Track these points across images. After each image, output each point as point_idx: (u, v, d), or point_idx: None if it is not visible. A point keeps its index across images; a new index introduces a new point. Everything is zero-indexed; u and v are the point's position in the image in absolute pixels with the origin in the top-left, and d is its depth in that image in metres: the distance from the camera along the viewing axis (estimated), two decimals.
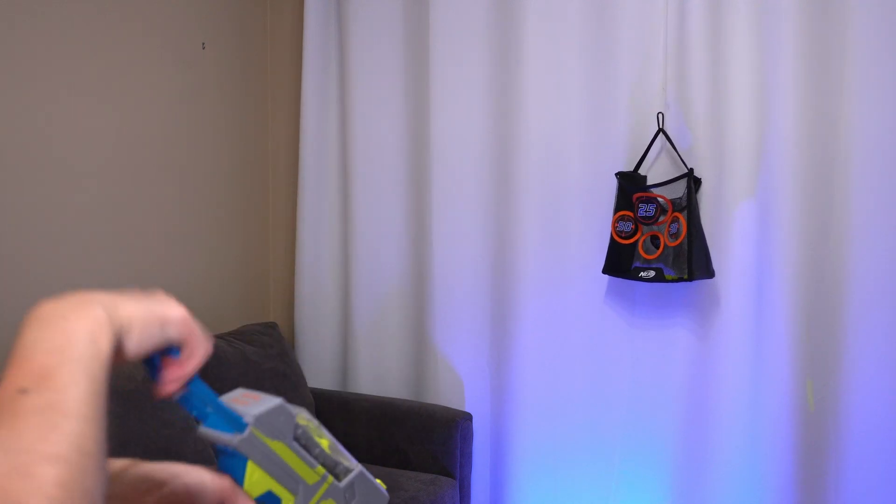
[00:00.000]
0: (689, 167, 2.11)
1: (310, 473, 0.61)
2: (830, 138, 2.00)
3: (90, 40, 2.11)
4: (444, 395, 2.51)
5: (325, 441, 0.64)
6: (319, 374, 2.74)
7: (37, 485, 0.37)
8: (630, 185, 2.17)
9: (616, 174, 2.21)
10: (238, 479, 0.57)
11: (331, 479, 0.63)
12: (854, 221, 1.97)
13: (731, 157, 2.08)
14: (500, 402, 2.43)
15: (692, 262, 2.03)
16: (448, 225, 2.47)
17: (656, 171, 2.23)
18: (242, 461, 0.57)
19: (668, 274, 2.09)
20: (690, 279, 2.03)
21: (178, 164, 2.43)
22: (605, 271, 2.20)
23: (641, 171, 2.23)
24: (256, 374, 2.26)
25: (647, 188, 2.16)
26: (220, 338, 2.30)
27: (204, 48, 2.51)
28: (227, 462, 0.58)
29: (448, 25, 2.42)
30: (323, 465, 0.63)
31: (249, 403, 0.58)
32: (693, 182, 2.10)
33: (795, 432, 2.07)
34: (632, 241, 2.15)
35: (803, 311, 2.04)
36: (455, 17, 2.41)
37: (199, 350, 0.54)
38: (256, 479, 0.57)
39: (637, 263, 2.16)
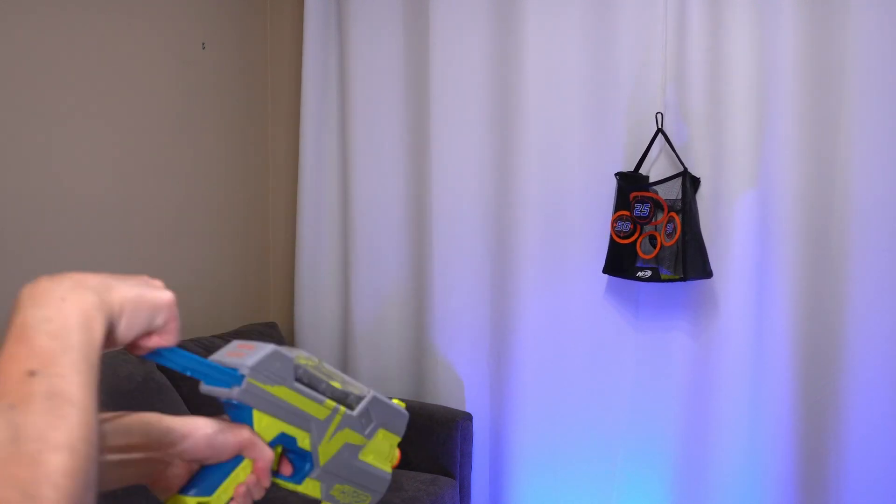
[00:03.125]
0: (684, 167, 2.12)
1: (319, 409, 0.62)
2: (830, 138, 2.00)
3: (90, 40, 2.11)
4: (444, 395, 2.51)
5: (332, 375, 0.65)
6: None
7: (44, 473, 0.38)
8: (629, 185, 2.18)
9: (616, 174, 2.21)
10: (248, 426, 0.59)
11: (343, 409, 0.64)
12: (853, 221, 1.97)
13: (731, 156, 2.09)
14: (500, 402, 2.43)
15: (686, 262, 2.03)
16: (448, 225, 2.47)
17: (656, 171, 2.23)
18: (248, 410, 0.59)
19: (664, 274, 2.09)
20: (685, 279, 2.03)
21: (178, 164, 2.43)
22: (605, 271, 2.20)
23: (642, 171, 2.23)
24: None
25: (643, 187, 2.16)
26: (220, 338, 2.30)
27: (204, 48, 2.51)
28: (235, 413, 0.60)
29: (448, 25, 2.42)
30: (332, 398, 0.64)
31: (244, 355, 0.59)
32: (691, 182, 2.10)
33: (796, 433, 2.07)
34: (630, 240, 2.15)
35: (803, 310, 2.04)
36: (455, 17, 2.41)
37: (177, 332, 0.55)
38: (265, 424, 0.59)
39: (636, 263, 2.16)
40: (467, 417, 2.36)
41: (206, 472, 0.58)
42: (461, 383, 2.51)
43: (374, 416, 0.67)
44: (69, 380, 0.42)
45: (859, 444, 1.99)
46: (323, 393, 0.63)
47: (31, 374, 0.41)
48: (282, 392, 0.60)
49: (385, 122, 2.58)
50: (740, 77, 2.07)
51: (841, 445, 2.02)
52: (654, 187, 2.17)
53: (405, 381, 2.64)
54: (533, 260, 2.34)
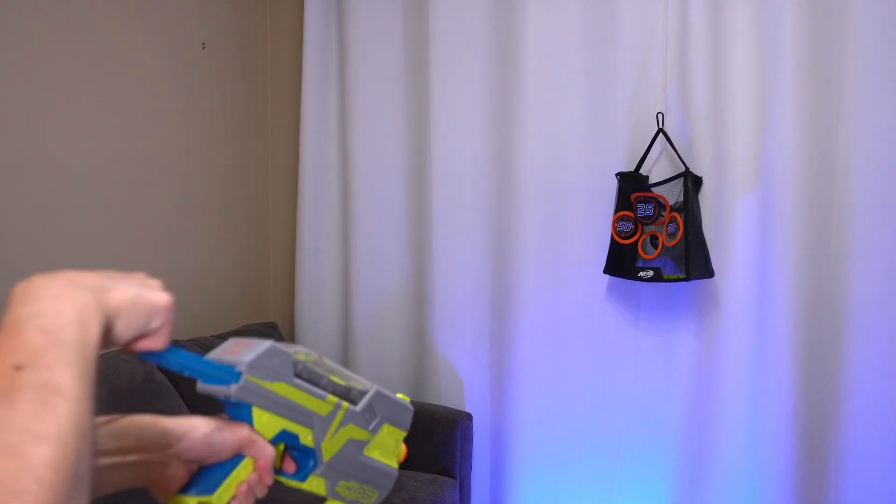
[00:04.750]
0: (686, 167, 2.11)
1: (321, 405, 0.61)
2: (830, 137, 2.00)
3: (90, 40, 2.11)
4: (444, 395, 2.51)
5: (333, 370, 0.64)
6: None
7: (27, 465, 0.36)
8: (630, 186, 2.17)
9: (616, 174, 2.21)
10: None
11: (345, 405, 0.63)
12: (854, 220, 1.97)
13: (732, 156, 2.08)
14: (500, 402, 2.43)
15: (689, 261, 2.03)
16: (448, 225, 2.47)
17: (657, 172, 2.23)
18: (247, 408, 0.58)
19: (667, 273, 2.09)
20: (688, 279, 2.03)
21: (178, 165, 2.43)
22: (605, 271, 2.20)
23: (643, 172, 2.23)
24: None
25: (646, 188, 2.16)
26: (220, 338, 2.30)
27: (204, 48, 2.51)
28: (233, 412, 0.59)
29: (448, 25, 2.42)
30: (334, 393, 0.62)
31: (241, 352, 0.58)
32: (692, 182, 2.10)
33: (796, 432, 2.07)
34: (632, 240, 2.15)
35: (804, 310, 2.04)
36: (455, 17, 2.41)
37: (165, 337, 0.54)
38: (265, 421, 0.58)
39: (637, 263, 2.16)
40: (467, 417, 2.35)
41: (207, 472, 0.57)
42: (461, 383, 2.50)
43: (378, 410, 0.66)
44: (59, 372, 0.41)
45: (860, 443, 1.99)
46: (324, 388, 0.62)
47: (18, 368, 0.40)
48: (281, 388, 0.59)
49: (385, 122, 2.57)
50: (741, 76, 2.06)
51: (841, 445, 2.02)
52: (656, 187, 2.17)
53: (405, 381, 2.64)
54: (533, 260, 2.34)
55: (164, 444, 0.55)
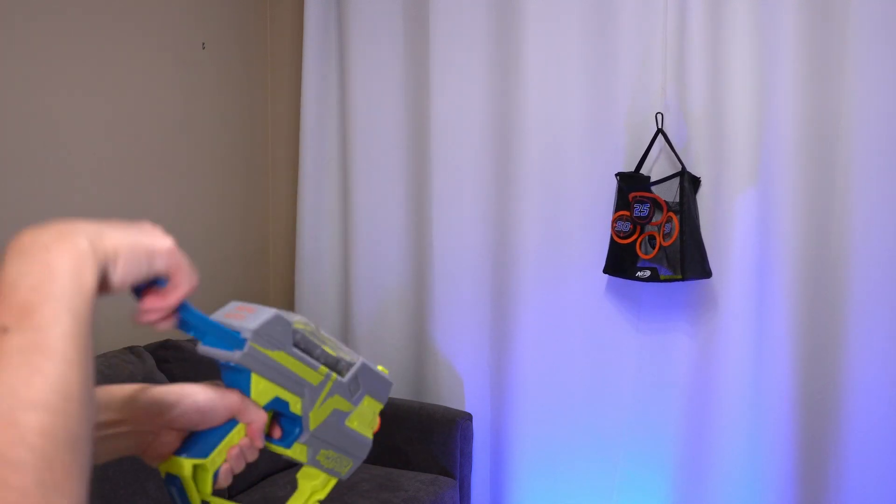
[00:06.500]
0: (683, 166, 2.12)
1: (313, 375, 0.63)
2: (830, 137, 2.01)
3: (90, 40, 2.11)
4: (444, 395, 2.51)
5: (326, 340, 0.65)
6: None
7: (19, 434, 0.35)
8: (629, 186, 2.18)
9: (616, 175, 2.21)
10: (244, 390, 0.59)
11: (334, 376, 0.65)
12: (854, 220, 1.97)
13: (731, 156, 2.09)
14: (500, 402, 2.43)
15: (685, 261, 2.03)
16: (448, 225, 2.47)
17: (657, 172, 2.23)
18: (246, 374, 0.59)
19: (664, 274, 2.10)
20: (683, 279, 2.03)
21: (178, 164, 2.43)
22: (605, 271, 2.20)
23: (643, 172, 2.23)
24: None
25: (643, 188, 2.16)
26: None
27: (204, 48, 2.51)
28: (231, 376, 0.60)
29: (448, 25, 2.42)
30: (325, 364, 0.64)
31: (245, 317, 0.59)
32: (690, 181, 2.10)
33: (796, 432, 2.07)
34: (630, 240, 2.16)
35: (803, 310, 2.04)
36: (455, 17, 2.41)
37: (184, 282, 0.53)
38: (262, 388, 0.59)
39: (636, 263, 2.16)
40: (467, 417, 2.36)
41: (200, 436, 0.58)
42: (461, 383, 2.51)
43: (362, 383, 0.68)
44: (48, 332, 0.39)
45: (859, 443, 1.99)
46: (317, 359, 0.64)
47: (4, 331, 0.38)
48: (281, 357, 0.60)
49: (385, 122, 2.58)
50: (740, 77, 2.07)
51: (841, 445, 2.02)
52: (653, 187, 2.17)
53: (405, 381, 2.64)
54: (533, 259, 2.34)
55: (155, 414, 0.55)
